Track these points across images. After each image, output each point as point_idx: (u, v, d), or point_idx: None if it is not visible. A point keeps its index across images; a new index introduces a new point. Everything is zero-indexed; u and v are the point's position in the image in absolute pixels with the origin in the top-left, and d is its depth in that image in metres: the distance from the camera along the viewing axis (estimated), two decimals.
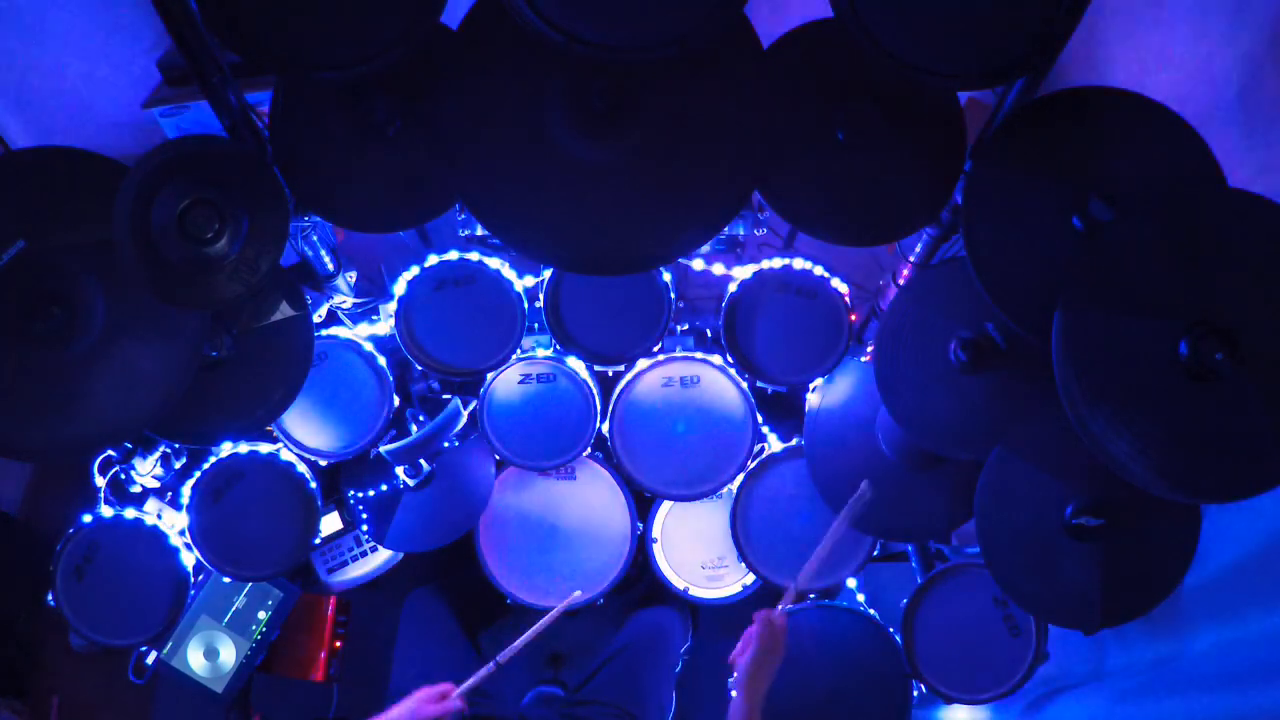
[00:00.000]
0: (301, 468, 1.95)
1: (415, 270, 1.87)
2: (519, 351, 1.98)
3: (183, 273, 1.30)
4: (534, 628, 1.75)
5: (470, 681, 1.70)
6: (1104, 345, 1.17)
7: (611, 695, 1.98)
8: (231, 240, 1.31)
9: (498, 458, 2.11)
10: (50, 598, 1.83)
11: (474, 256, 1.85)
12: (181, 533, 1.90)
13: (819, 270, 1.83)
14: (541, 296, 1.89)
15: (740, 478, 2.04)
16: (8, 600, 2.65)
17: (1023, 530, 1.50)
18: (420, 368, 1.98)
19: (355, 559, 2.39)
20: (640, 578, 2.41)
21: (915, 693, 1.84)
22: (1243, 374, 1.13)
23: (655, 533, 2.25)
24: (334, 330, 1.98)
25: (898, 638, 1.84)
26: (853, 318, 1.87)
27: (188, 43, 1.25)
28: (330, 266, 1.89)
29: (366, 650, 2.34)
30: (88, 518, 1.86)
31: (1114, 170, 1.33)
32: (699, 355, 2.02)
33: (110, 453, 1.90)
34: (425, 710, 1.65)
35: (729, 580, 2.24)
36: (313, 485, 1.95)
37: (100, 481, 1.91)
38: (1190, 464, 1.17)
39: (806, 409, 1.93)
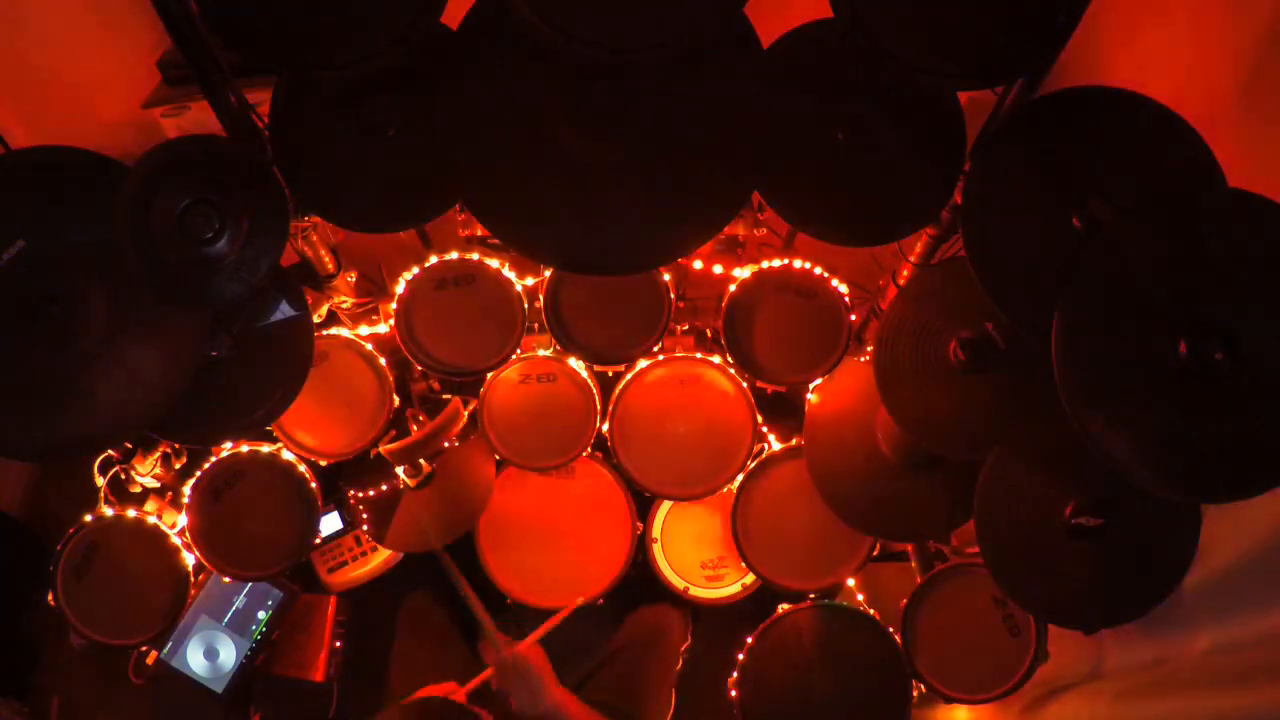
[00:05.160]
0: (301, 468, 1.95)
1: (415, 270, 1.87)
2: (519, 351, 1.98)
3: (183, 273, 1.30)
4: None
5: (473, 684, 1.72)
6: (1104, 345, 1.17)
7: (610, 695, 1.98)
8: (231, 240, 1.30)
9: (498, 458, 2.11)
10: (50, 598, 1.83)
11: (474, 256, 1.85)
12: (181, 533, 1.90)
13: (819, 270, 1.83)
14: (541, 296, 1.88)
15: (740, 478, 2.04)
16: (8, 600, 2.65)
17: (1023, 530, 1.50)
18: (420, 368, 1.98)
19: (355, 559, 2.39)
20: (640, 577, 2.41)
21: (915, 693, 1.84)
22: (1243, 374, 1.13)
23: (655, 533, 2.25)
24: (334, 330, 1.98)
25: (898, 638, 1.84)
26: (853, 318, 1.86)
27: (188, 43, 1.25)
28: (330, 266, 1.89)
29: (366, 650, 2.34)
30: (88, 518, 1.86)
31: (1114, 170, 1.33)
32: (699, 355, 2.02)
33: (110, 453, 1.90)
34: None
35: (729, 580, 2.24)
36: (313, 485, 1.95)
37: (100, 481, 1.91)
38: (1190, 464, 1.16)
39: (806, 409, 1.93)
